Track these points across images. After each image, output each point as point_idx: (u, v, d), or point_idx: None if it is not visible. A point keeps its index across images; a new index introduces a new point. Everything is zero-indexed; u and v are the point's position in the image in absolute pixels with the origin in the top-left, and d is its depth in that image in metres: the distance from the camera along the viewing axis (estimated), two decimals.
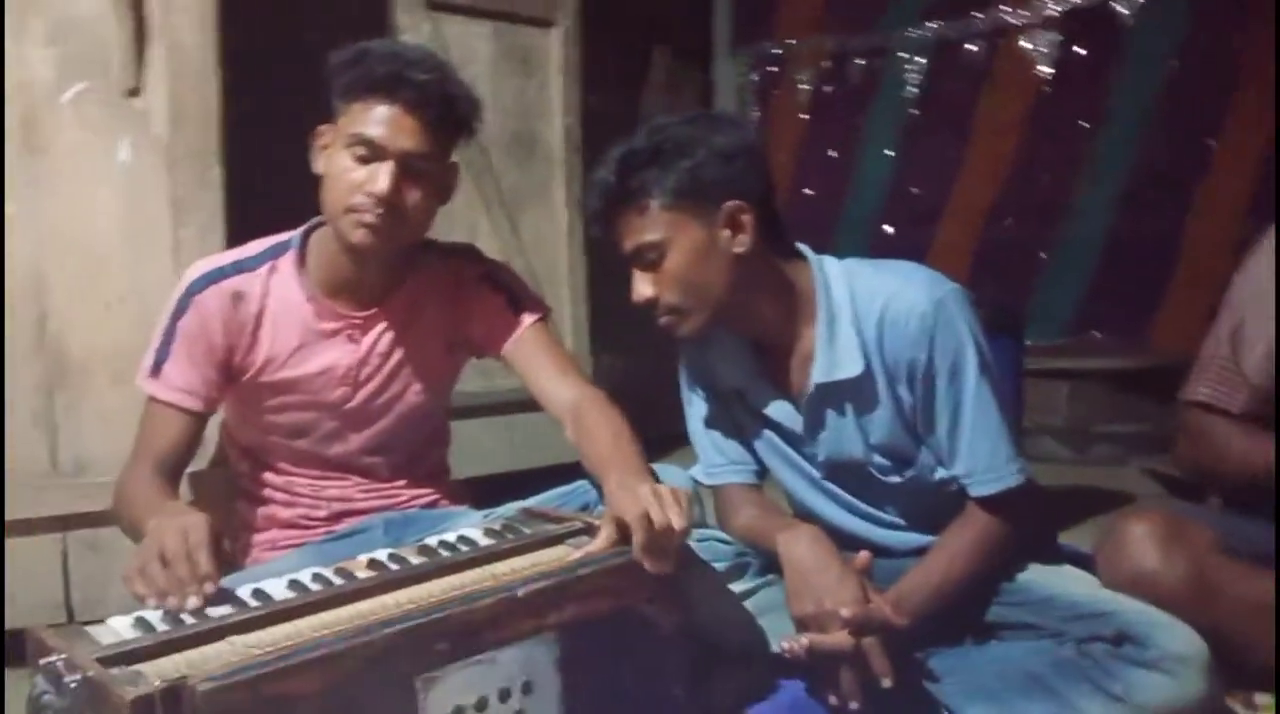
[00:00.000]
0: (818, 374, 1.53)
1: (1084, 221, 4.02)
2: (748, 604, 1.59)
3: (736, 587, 1.60)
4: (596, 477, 1.47)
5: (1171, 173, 3.82)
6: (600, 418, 1.54)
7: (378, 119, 1.49)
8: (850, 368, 1.51)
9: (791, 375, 1.59)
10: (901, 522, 1.63)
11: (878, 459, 1.57)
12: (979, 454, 1.50)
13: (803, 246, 1.60)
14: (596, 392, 1.63)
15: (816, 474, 1.63)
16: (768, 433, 1.65)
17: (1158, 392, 3.59)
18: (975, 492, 1.51)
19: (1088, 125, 3.99)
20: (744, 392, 1.64)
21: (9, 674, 1.20)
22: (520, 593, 1.15)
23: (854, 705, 1.36)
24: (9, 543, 2.03)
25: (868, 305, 1.51)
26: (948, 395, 1.50)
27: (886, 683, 1.34)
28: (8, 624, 1.83)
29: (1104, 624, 1.43)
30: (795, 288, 1.55)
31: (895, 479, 1.58)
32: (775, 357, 1.60)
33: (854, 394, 1.54)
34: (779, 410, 1.61)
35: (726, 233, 1.48)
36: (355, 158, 1.50)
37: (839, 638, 1.36)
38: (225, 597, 1.17)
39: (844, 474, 1.61)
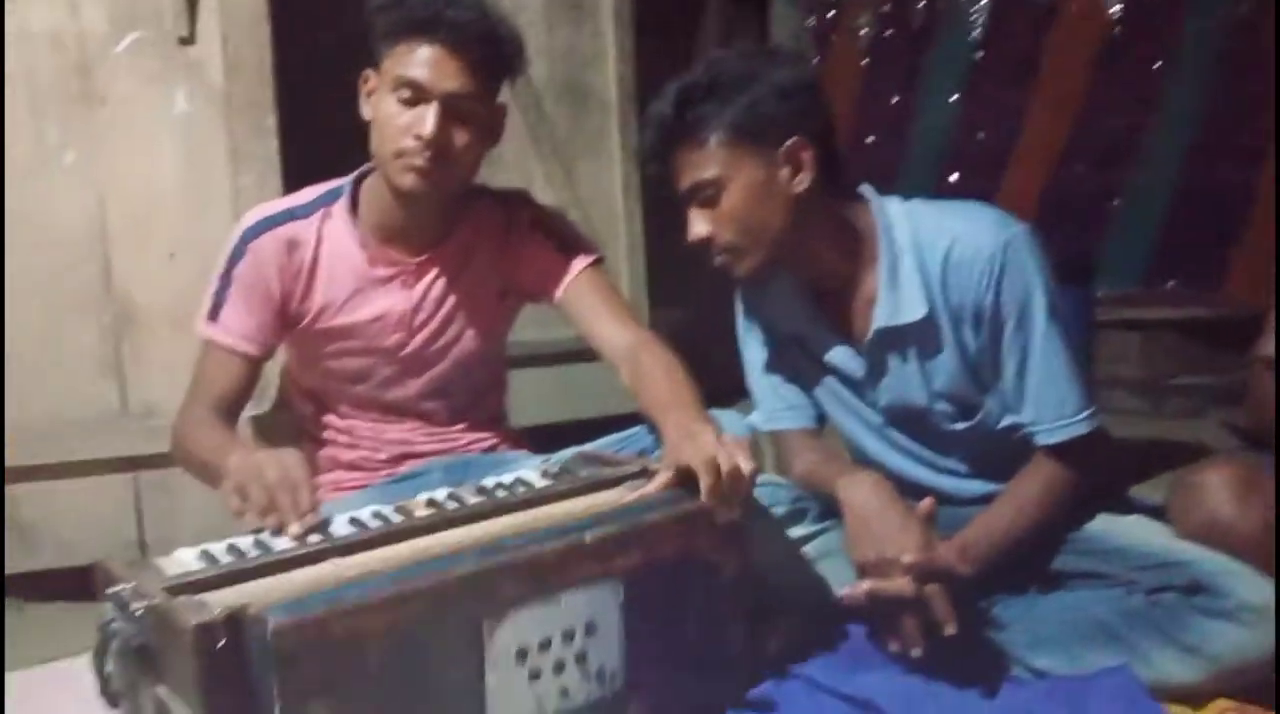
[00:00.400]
0: (879, 318, 1.50)
1: (1157, 167, 3.89)
2: (806, 549, 1.58)
3: (795, 532, 1.59)
4: (653, 420, 1.46)
5: (1247, 116, 3.67)
6: (657, 361, 1.52)
7: (420, 60, 1.47)
8: (913, 312, 1.48)
9: (852, 320, 1.55)
10: (965, 469, 1.59)
11: (941, 406, 1.54)
12: (1046, 402, 1.46)
13: (865, 187, 1.56)
14: (652, 335, 1.61)
15: (878, 421, 1.60)
16: (828, 379, 1.62)
17: (1234, 342, 3.50)
18: (1042, 440, 1.47)
19: (1159, 66, 3.84)
20: (803, 337, 1.61)
21: (83, 608, 1.25)
22: (588, 538, 1.15)
23: (915, 653, 1.34)
24: (81, 483, 2.09)
25: (932, 247, 1.47)
26: (1015, 340, 1.45)
27: (949, 630, 1.32)
28: (82, 562, 1.89)
29: (1177, 573, 1.39)
30: (856, 229, 1.52)
31: (959, 426, 1.55)
32: (835, 301, 1.56)
33: (917, 339, 1.50)
34: (839, 356, 1.57)
35: (786, 171, 1.44)
36: (400, 101, 1.49)
37: (901, 584, 1.34)
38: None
39: (906, 421, 1.58)
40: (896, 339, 1.51)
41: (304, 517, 1.20)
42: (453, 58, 1.48)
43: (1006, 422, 1.52)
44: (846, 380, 1.60)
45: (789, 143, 1.43)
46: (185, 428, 1.56)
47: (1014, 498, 1.48)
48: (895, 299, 1.48)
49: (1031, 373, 1.46)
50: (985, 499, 1.53)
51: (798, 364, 1.65)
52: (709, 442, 1.26)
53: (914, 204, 1.54)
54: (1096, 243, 3.91)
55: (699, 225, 1.47)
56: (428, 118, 1.47)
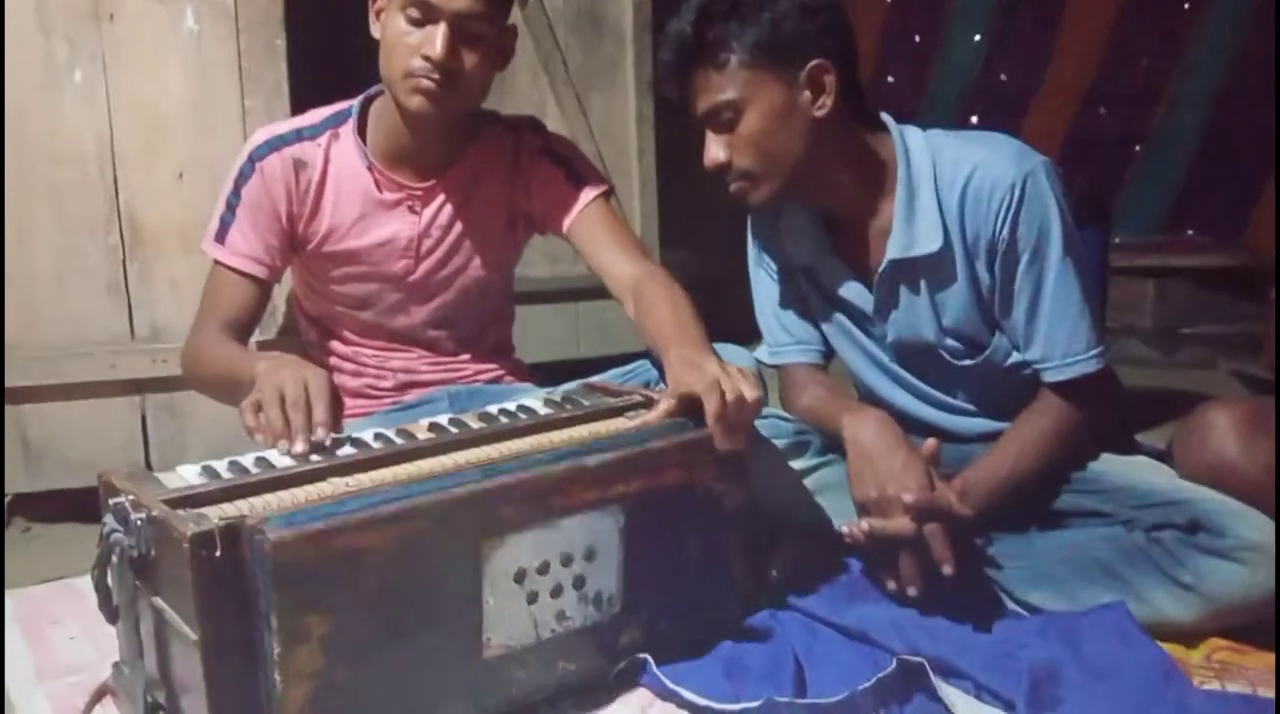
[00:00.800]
0: (893, 249, 1.48)
1: (1181, 113, 3.81)
2: (806, 482, 1.58)
3: (796, 464, 1.59)
4: (657, 351, 1.45)
5: (1276, 64, 3.59)
6: (661, 293, 1.51)
7: None
8: (929, 243, 1.46)
9: (864, 251, 1.53)
10: (970, 407, 1.59)
11: (949, 342, 1.53)
12: (1057, 338, 1.45)
13: (885, 115, 1.52)
14: (658, 268, 1.60)
15: (885, 357, 1.59)
16: (836, 314, 1.61)
17: (1249, 292, 3.47)
18: (1050, 377, 1.46)
19: (1188, 8, 3.74)
20: (814, 268, 1.59)
21: (90, 529, 1.27)
22: (590, 462, 1.15)
23: (912, 592, 1.35)
24: (89, 405, 2.11)
25: (950, 177, 1.44)
26: (1028, 274, 1.44)
27: (947, 570, 1.32)
28: (88, 483, 1.92)
29: (1178, 512, 1.38)
30: (875, 157, 1.49)
31: (966, 363, 1.54)
32: (848, 232, 1.54)
33: (930, 271, 1.48)
34: (849, 289, 1.56)
35: (807, 94, 1.41)
36: (409, 20, 1.46)
37: (901, 523, 1.34)
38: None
39: (913, 356, 1.57)
40: (909, 272, 1.49)
41: (318, 430, 1.19)
42: None
43: (1014, 359, 1.51)
44: (855, 314, 1.58)
45: (811, 65, 1.40)
46: (198, 348, 1.56)
47: (1017, 438, 1.47)
48: (910, 230, 1.46)
49: (1043, 308, 1.44)
50: (989, 437, 1.53)
51: (807, 298, 1.64)
52: (713, 368, 1.26)
53: (934, 134, 1.51)
54: (1118, 188, 3.86)
55: (716, 150, 1.44)
56: (436, 38, 1.45)
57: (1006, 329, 1.50)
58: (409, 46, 1.47)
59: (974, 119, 4.11)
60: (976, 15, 4.11)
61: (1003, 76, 4.10)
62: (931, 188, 1.45)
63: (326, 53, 2.32)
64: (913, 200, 1.46)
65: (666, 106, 3.12)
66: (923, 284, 1.50)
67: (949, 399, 1.59)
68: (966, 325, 1.51)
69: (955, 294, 1.49)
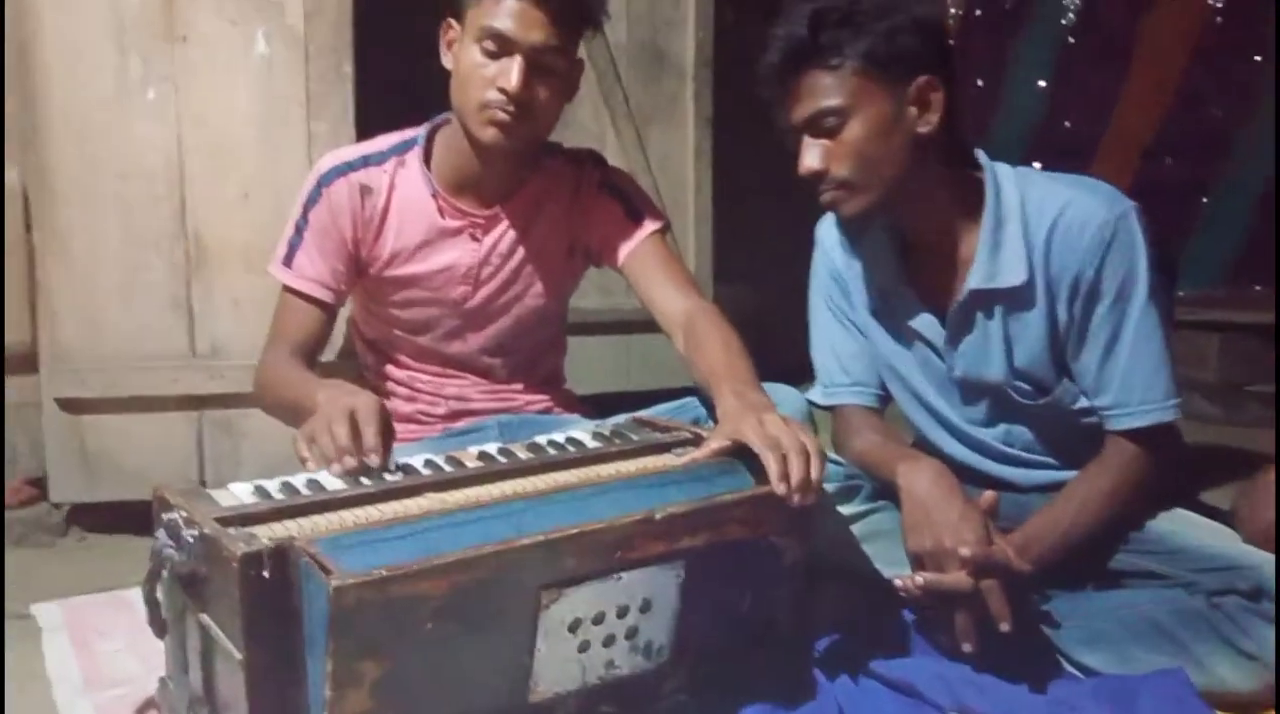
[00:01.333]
0: (975, 279, 1.45)
1: (1249, 164, 3.73)
2: (854, 528, 1.55)
3: (845, 510, 1.56)
4: (706, 389, 1.44)
5: (1275, 63, 3.51)
6: (712, 330, 1.50)
7: (507, 11, 1.47)
8: (1013, 276, 1.43)
9: (941, 282, 1.51)
10: (1030, 455, 1.55)
11: (1017, 382, 1.49)
12: (1133, 384, 1.41)
13: (977, 149, 1.51)
14: (709, 304, 1.59)
15: (943, 402, 1.56)
16: (899, 350, 1.58)
17: None
18: (1121, 425, 1.42)
19: (1259, 59, 3.68)
20: (885, 297, 1.57)
21: (144, 542, 1.29)
22: (658, 515, 1.12)
23: (967, 648, 1.31)
24: (147, 418, 2.14)
25: (1039, 212, 1.43)
26: (1110, 315, 1.41)
27: (1004, 627, 1.28)
28: (143, 496, 1.94)
29: (1240, 578, 1.34)
30: (966, 184, 1.47)
31: (1030, 403, 1.50)
32: (926, 260, 1.52)
33: (1008, 306, 1.46)
34: (921, 320, 1.53)
35: (913, 110, 1.40)
36: (485, 52, 1.48)
37: (957, 578, 1.31)
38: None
39: (977, 394, 1.54)
40: (986, 304, 1.47)
41: (367, 455, 1.20)
42: (537, 9, 1.47)
43: (1080, 405, 1.48)
44: (922, 347, 1.56)
45: (920, 80, 1.39)
46: (267, 370, 1.58)
47: (1079, 493, 1.43)
48: (995, 261, 1.44)
49: (1122, 351, 1.41)
50: (1047, 489, 1.50)
51: (869, 336, 1.61)
52: (773, 422, 1.23)
53: (1024, 170, 1.49)
54: (1182, 240, 3.78)
55: (812, 158, 1.42)
56: (512, 70, 1.47)
57: (1077, 372, 1.46)
58: (484, 78, 1.49)
59: (1036, 165, 4.07)
60: (1041, 60, 4.07)
61: (1067, 123, 4.06)
62: (1019, 221, 1.43)
63: (392, 80, 2.36)
64: (1000, 231, 1.44)
65: (724, 142, 3.15)
66: (998, 319, 1.47)
67: (1007, 449, 1.56)
68: (1036, 366, 1.48)
69: (1030, 332, 1.46)
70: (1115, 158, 3.95)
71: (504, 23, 1.47)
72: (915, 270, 1.54)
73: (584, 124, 2.79)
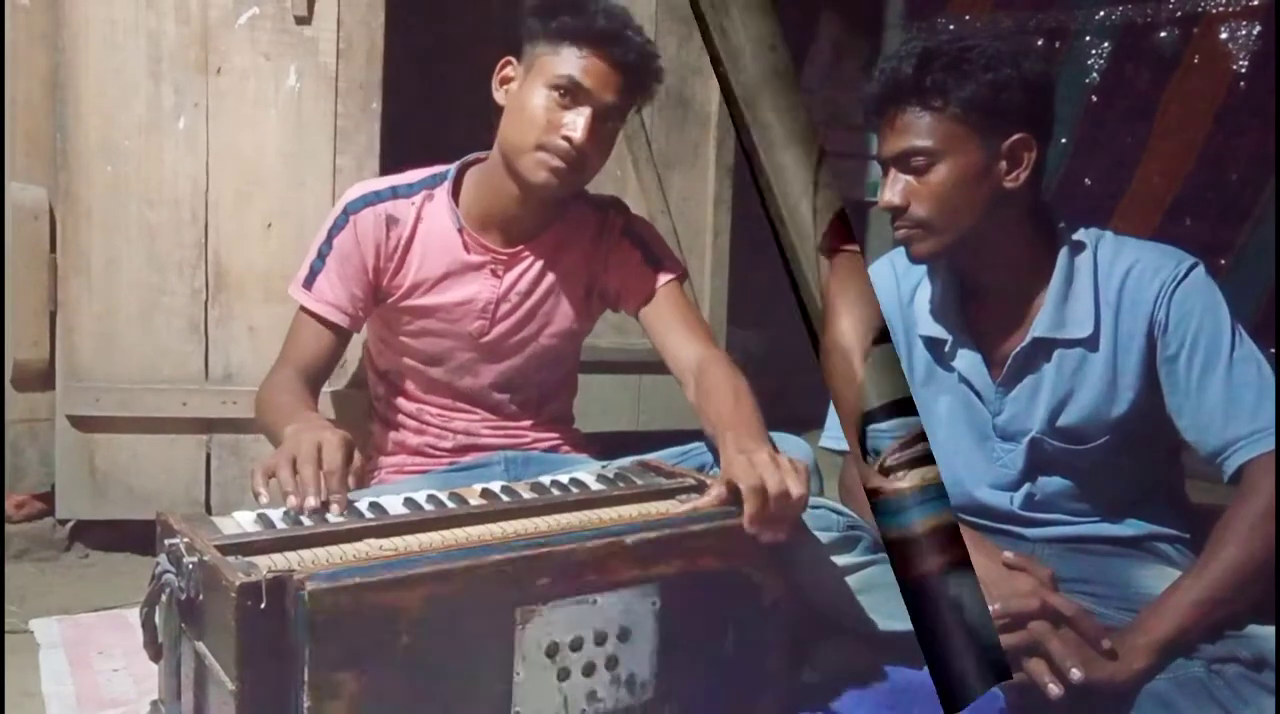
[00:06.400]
0: (1040, 327, 1.46)
1: (1269, 227, 3.73)
2: (852, 579, 1.54)
3: (843, 560, 1.54)
4: (713, 436, 1.45)
5: (1275, 65, 3.50)
6: (722, 378, 1.52)
7: (591, 69, 1.52)
8: (1079, 327, 1.45)
9: (999, 331, 1.52)
10: (1046, 513, 1.55)
11: (1059, 432, 1.49)
12: (1239, 412, 1.36)
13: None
14: (721, 353, 1.62)
15: (989, 443, 1.55)
16: (945, 398, 1.58)
17: None
18: (1244, 456, 1.36)
19: None
20: (943, 342, 1.57)
21: (148, 561, 1.30)
22: (629, 540, 1.15)
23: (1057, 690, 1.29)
24: (158, 439, 2.16)
25: (1110, 269, 1.45)
26: (1195, 347, 1.39)
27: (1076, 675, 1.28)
28: (149, 515, 1.96)
29: (1242, 646, 1.32)
30: (1040, 240, 1.48)
31: (1068, 449, 1.50)
32: (985, 306, 1.53)
33: (1070, 359, 1.47)
34: (969, 363, 1.54)
35: (1004, 164, 1.41)
36: (554, 99, 1.52)
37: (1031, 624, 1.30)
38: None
39: (1014, 443, 1.53)
40: (1047, 354, 1.48)
41: (329, 496, 1.19)
42: (617, 72, 1.53)
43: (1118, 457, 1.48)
44: (963, 393, 1.56)
45: (1016, 137, 1.40)
46: (266, 390, 1.60)
47: (1233, 522, 1.34)
48: (1062, 311, 1.45)
49: (1218, 379, 1.38)
50: (1057, 541, 1.50)
51: (911, 374, 1.60)
52: (761, 461, 1.25)
53: (1096, 231, 1.51)
54: None
55: (894, 192, 1.43)
56: (580, 122, 1.51)
57: (1181, 423, 1.42)
58: (549, 123, 1.52)
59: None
60: (1064, 117, 4.08)
61: (1087, 180, 4.07)
62: (1090, 275, 1.45)
63: (418, 117, 2.40)
64: (1071, 284, 1.45)
65: (744, 190, 3.16)
66: (1053, 371, 1.48)
67: (1027, 502, 1.55)
68: (1087, 422, 1.48)
69: (1087, 383, 1.47)
70: (1135, 217, 3.96)
71: (586, 79, 1.52)
72: (972, 315, 1.55)
73: (607, 167, 2.79)
